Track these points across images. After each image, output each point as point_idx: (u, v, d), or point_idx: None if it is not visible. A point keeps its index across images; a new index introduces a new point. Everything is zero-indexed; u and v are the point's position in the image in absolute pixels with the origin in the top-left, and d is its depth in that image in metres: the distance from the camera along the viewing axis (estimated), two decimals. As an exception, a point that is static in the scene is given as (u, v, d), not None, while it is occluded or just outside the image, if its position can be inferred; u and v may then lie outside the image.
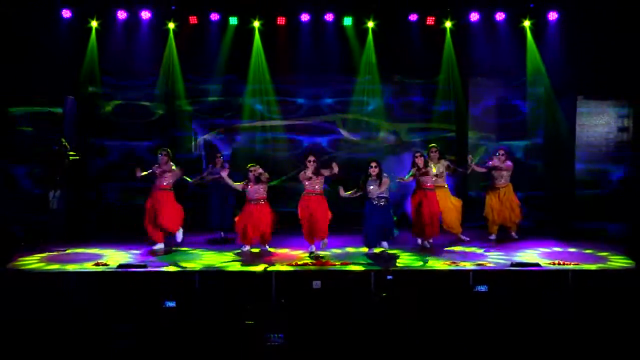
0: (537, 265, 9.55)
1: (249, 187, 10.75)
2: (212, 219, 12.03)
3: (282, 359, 6.60)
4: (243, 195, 10.84)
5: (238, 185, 10.84)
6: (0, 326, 7.45)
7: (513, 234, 11.82)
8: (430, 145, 11.58)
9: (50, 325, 7.44)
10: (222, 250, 10.93)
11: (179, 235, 11.08)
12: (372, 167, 10.50)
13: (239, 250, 10.71)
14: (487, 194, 11.78)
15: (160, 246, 10.92)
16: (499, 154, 11.62)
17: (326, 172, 10.71)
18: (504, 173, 11.63)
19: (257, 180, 10.72)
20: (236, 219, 10.84)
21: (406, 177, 10.95)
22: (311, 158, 10.85)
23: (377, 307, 8.10)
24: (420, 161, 10.96)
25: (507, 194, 11.65)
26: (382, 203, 10.49)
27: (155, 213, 10.80)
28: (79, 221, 12.55)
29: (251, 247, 10.80)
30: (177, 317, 7.74)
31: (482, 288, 8.44)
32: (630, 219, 11.98)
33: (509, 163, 11.62)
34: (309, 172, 10.72)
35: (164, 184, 10.90)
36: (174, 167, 10.97)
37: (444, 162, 11.48)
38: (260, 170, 10.70)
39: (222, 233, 11.94)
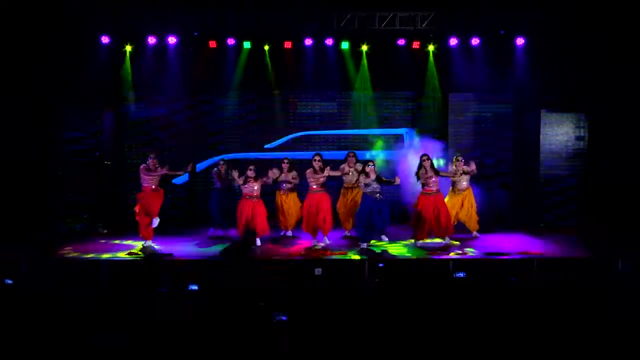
0: (507, 254, 9.47)
1: (248, 183, 10.34)
2: (214, 215, 11.51)
3: (285, 333, 6.49)
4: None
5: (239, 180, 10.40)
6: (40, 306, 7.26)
7: (474, 233, 11.10)
8: (349, 151, 11.09)
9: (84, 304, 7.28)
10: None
11: (155, 221, 10.48)
12: (369, 166, 9.86)
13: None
14: (449, 196, 10.96)
15: (150, 243, 10.39)
16: (460, 160, 10.89)
17: (335, 173, 10.35)
18: (466, 176, 10.89)
19: (256, 178, 10.36)
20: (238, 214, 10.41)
21: (415, 180, 10.24)
22: (317, 157, 10.40)
23: (371, 290, 8.00)
24: (427, 164, 10.18)
25: (469, 196, 10.97)
26: (376, 197, 9.83)
27: (149, 209, 10.30)
28: (116, 217, 12.40)
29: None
30: (200, 298, 7.62)
31: (460, 274, 8.35)
32: (585, 214, 11.92)
33: (473, 167, 10.86)
34: (317, 169, 10.23)
35: (153, 186, 10.37)
36: (162, 169, 10.48)
37: (359, 167, 10.53)
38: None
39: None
